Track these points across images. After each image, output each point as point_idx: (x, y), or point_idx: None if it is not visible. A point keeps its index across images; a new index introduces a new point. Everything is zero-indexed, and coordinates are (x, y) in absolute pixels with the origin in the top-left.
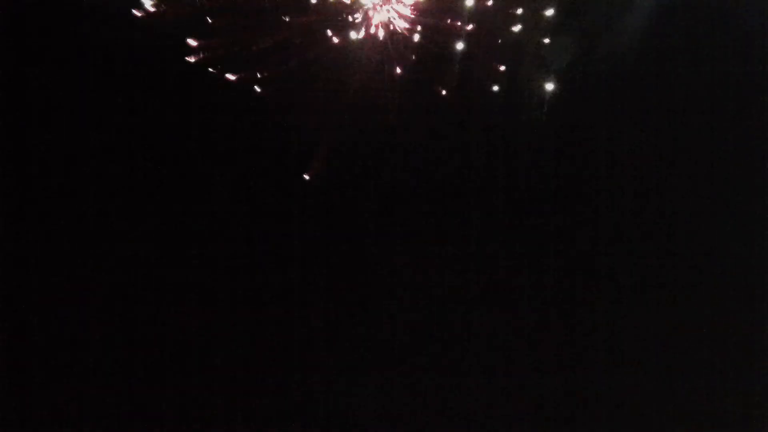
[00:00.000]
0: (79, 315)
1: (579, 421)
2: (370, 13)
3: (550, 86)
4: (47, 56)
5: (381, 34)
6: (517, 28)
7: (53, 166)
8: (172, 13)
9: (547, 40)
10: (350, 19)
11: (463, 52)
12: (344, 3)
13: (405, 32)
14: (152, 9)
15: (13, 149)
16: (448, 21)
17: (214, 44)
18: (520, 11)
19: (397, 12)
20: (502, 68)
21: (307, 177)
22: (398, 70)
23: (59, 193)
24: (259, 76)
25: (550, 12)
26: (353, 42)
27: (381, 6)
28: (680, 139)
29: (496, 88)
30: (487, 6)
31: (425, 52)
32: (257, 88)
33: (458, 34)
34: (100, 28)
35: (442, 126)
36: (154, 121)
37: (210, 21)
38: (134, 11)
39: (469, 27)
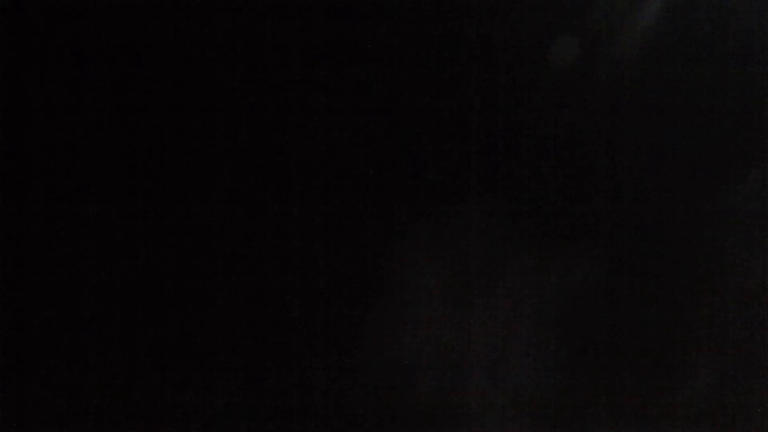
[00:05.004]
0: (79, 315)
1: (579, 421)
2: None
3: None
4: (47, 56)
5: None
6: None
7: (53, 165)
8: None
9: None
10: None
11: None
12: None
13: None
14: None
15: (12, 149)
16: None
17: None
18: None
19: None
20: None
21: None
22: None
23: (59, 194)
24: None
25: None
26: None
27: None
28: (680, 139)
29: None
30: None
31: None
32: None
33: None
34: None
35: (440, 125)
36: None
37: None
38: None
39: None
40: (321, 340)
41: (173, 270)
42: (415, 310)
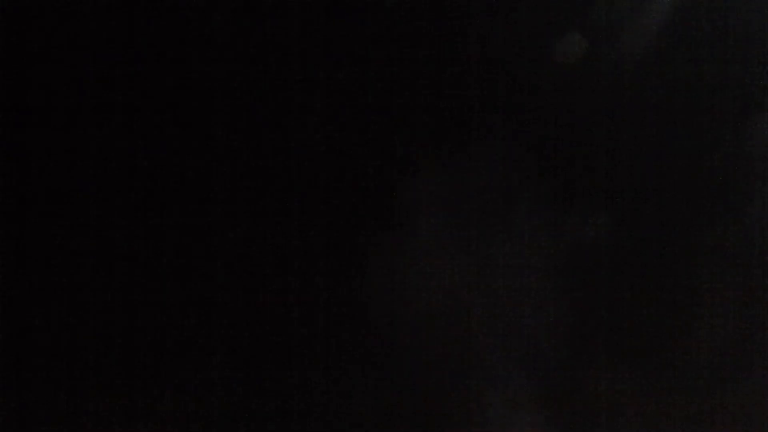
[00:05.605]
0: (79, 315)
1: (579, 421)
2: None
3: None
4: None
5: None
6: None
7: (53, 165)
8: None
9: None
10: None
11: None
12: None
13: None
14: None
15: (12, 149)
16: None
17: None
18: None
19: None
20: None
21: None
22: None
23: (59, 193)
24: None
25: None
26: None
27: None
28: (680, 139)
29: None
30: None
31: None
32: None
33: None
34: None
35: (441, 126)
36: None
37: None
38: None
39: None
40: (321, 340)
41: (173, 270)
42: (416, 310)
